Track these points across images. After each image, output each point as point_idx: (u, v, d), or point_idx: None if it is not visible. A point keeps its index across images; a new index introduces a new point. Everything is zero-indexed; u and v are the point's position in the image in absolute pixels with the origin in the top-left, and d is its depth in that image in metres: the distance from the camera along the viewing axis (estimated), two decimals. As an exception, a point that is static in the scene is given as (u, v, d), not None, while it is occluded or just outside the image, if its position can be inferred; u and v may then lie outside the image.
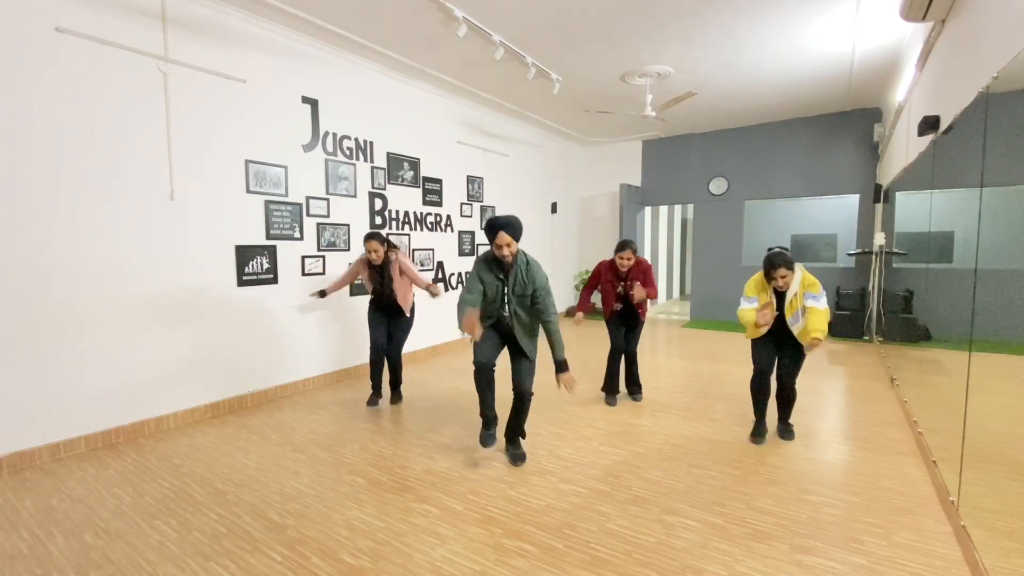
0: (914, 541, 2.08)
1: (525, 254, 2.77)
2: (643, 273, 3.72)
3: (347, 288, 4.66)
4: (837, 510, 2.33)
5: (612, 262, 3.78)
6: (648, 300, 3.74)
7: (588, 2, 3.68)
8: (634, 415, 3.64)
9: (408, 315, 3.85)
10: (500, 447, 3.03)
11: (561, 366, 2.74)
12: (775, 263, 2.86)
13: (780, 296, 3.01)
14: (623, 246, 3.66)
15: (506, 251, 2.63)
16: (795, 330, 2.96)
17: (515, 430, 2.91)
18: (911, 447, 3.03)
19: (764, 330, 3.02)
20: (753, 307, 3.02)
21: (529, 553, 2.02)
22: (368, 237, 3.62)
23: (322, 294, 3.96)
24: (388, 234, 5.07)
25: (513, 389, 2.83)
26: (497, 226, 2.59)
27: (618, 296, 3.78)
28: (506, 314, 2.76)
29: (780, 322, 3.03)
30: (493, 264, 2.74)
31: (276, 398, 4.10)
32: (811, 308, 2.85)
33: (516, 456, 2.87)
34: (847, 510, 2.33)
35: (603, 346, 4.60)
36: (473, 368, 2.79)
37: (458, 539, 2.12)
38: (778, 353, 3.11)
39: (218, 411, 3.73)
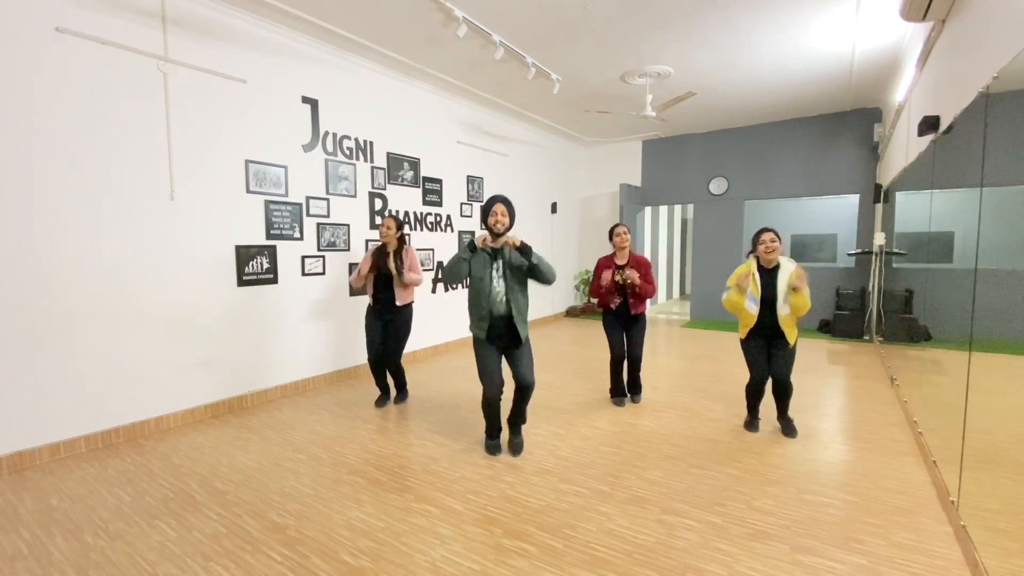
0: (914, 541, 2.08)
1: None
2: (642, 268, 3.69)
3: (347, 288, 4.67)
4: (837, 510, 2.33)
5: (611, 256, 3.80)
6: (647, 300, 3.72)
7: (588, 2, 3.68)
8: (634, 415, 3.64)
9: (406, 317, 3.78)
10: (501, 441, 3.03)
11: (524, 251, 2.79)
12: (763, 229, 3.14)
13: (770, 284, 3.06)
14: (615, 226, 3.76)
15: (500, 218, 2.81)
16: (781, 310, 3.05)
17: (518, 417, 2.98)
18: (911, 447, 3.03)
19: (754, 315, 3.09)
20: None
21: (529, 553, 2.02)
22: (387, 215, 3.59)
23: (363, 289, 3.82)
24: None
25: (517, 383, 2.87)
26: (496, 199, 2.85)
27: (617, 288, 3.70)
28: (499, 288, 2.80)
29: (770, 316, 3.08)
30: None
31: (276, 398, 4.10)
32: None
33: (517, 445, 2.95)
34: (847, 510, 2.33)
35: (603, 346, 4.60)
36: (483, 399, 2.90)
37: (458, 539, 2.12)
38: (770, 352, 3.16)
39: (218, 411, 3.72)
